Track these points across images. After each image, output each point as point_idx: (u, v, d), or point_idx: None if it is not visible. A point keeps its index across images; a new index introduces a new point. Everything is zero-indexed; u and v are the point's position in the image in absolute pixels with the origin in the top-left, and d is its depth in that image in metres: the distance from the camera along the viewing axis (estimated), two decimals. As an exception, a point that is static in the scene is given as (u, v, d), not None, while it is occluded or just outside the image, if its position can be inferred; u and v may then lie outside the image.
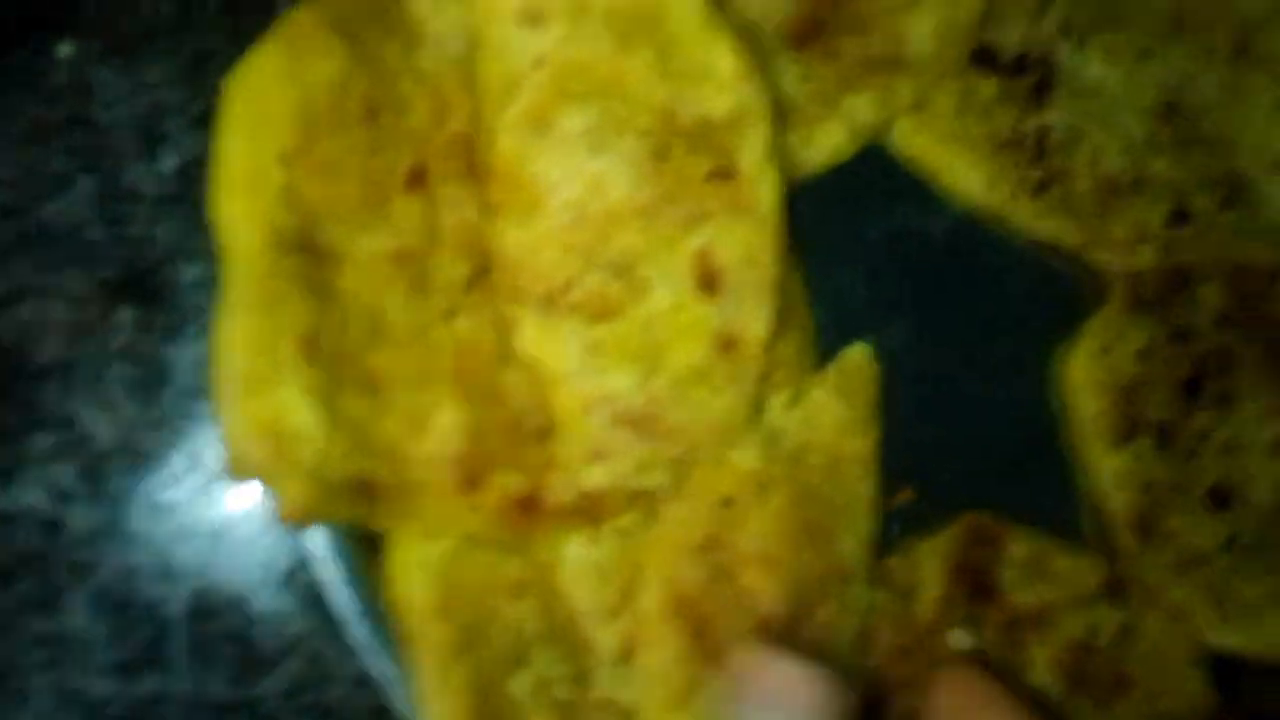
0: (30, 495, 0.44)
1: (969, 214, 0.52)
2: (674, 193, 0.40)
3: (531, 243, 0.40)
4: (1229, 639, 0.54)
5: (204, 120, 0.45)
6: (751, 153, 0.41)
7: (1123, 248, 0.53)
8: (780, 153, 0.49)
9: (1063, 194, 0.52)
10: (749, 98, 0.41)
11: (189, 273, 0.45)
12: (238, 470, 0.35)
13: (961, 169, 0.52)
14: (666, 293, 0.40)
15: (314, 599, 0.45)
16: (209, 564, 0.45)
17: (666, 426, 0.40)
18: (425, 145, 0.42)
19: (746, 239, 0.41)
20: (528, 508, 0.42)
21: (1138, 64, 0.54)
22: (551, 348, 0.40)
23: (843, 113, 0.49)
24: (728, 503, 0.42)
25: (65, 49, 0.44)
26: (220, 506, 0.44)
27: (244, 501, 0.45)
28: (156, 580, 0.45)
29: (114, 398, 0.44)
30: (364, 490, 0.38)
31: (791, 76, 0.49)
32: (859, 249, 0.52)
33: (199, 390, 0.45)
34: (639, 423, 0.40)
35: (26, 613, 0.43)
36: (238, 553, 0.45)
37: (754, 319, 0.41)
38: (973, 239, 0.53)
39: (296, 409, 0.36)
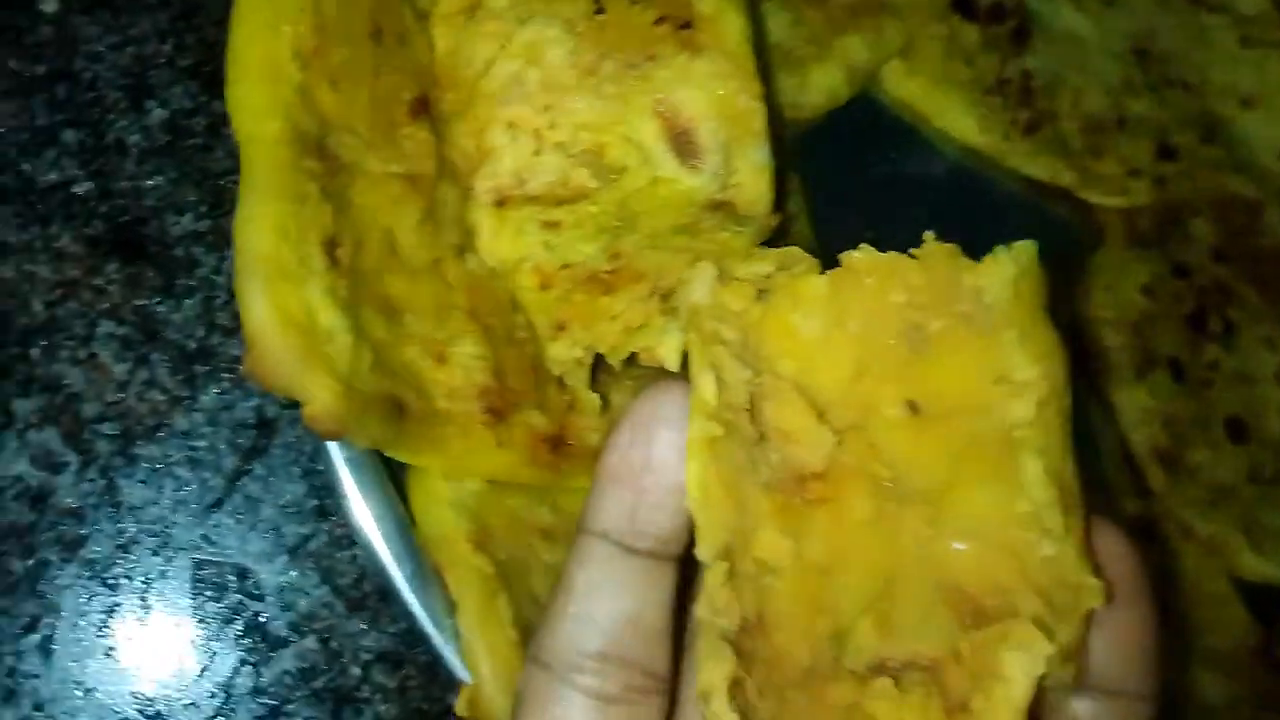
0: (15, 464, 0.41)
1: (965, 159, 0.53)
2: (618, 44, 0.36)
3: (477, 135, 0.36)
4: (1263, 569, 0.53)
5: (192, 72, 0.43)
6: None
7: (1114, 184, 0.54)
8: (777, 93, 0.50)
9: (1053, 134, 0.53)
10: None
11: (179, 226, 0.42)
12: (260, 367, 0.32)
13: (954, 112, 0.52)
14: (640, 169, 0.36)
15: (326, 570, 0.42)
16: (210, 535, 0.41)
17: (636, 270, 0.35)
18: (427, 78, 0.41)
19: (714, 84, 0.36)
20: (555, 446, 0.39)
21: (1104, 12, 0.55)
22: (506, 239, 0.36)
23: (836, 54, 0.49)
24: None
25: (50, 4, 0.42)
26: (222, 470, 0.41)
27: (247, 463, 0.41)
28: (152, 554, 0.41)
29: (103, 359, 0.41)
30: (395, 408, 0.35)
31: (781, 21, 0.50)
32: (860, 194, 0.51)
33: (193, 350, 0.42)
34: (602, 281, 0.36)
35: (13, 592, 0.39)
36: (242, 522, 0.41)
37: (749, 176, 0.36)
38: (971, 183, 0.54)
39: (324, 308, 0.33)
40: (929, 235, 0.27)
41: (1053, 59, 0.54)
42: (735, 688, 0.25)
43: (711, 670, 0.25)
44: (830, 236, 0.50)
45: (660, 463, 0.27)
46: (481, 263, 0.39)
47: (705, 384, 0.27)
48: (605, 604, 0.26)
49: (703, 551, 0.26)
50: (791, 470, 0.27)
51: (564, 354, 0.37)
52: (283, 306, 0.32)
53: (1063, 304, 0.45)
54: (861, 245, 0.27)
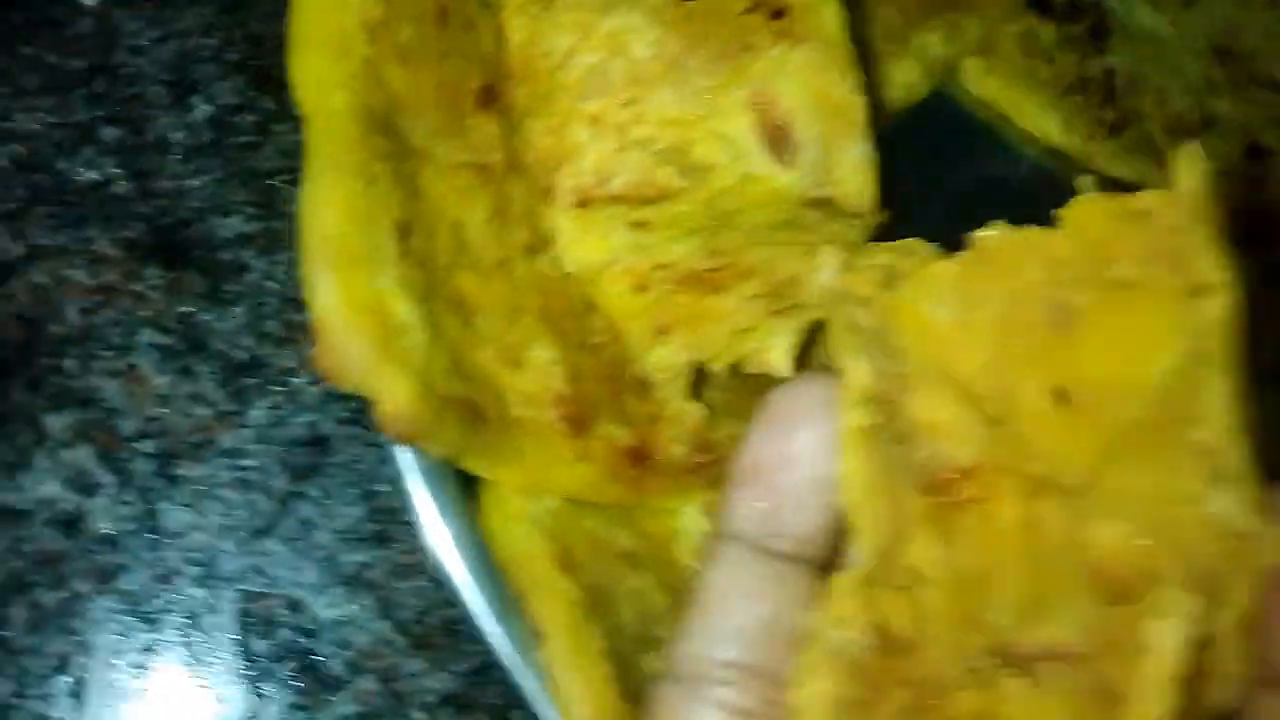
0: (46, 486, 0.37)
1: (1048, 160, 0.51)
2: (707, 34, 0.34)
3: (556, 131, 0.34)
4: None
5: (240, 67, 0.41)
6: None
7: (1205, 187, 0.51)
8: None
9: (1138, 134, 0.51)
10: None
11: (225, 229, 0.39)
12: (329, 360, 0.28)
13: (1035, 111, 0.50)
14: (730, 166, 0.34)
15: (386, 602, 0.38)
16: (259, 564, 0.38)
17: (743, 267, 0.33)
18: (494, 68, 0.38)
19: (811, 75, 0.34)
20: (639, 459, 0.36)
21: (1183, 10, 0.54)
22: (591, 241, 0.34)
23: (914, 49, 0.47)
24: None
25: (90, -1, 0.40)
26: (272, 492, 0.38)
27: (300, 484, 0.38)
28: (195, 586, 0.37)
29: (143, 371, 0.38)
30: (472, 413, 0.32)
31: (856, 19, 0.48)
32: (942, 196, 0.49)
33: (241, 361, 0.39)
34: (707, 280, 0.33)
35: (43, 627, 0.35)
36: (294, 549, 0.38)
37: (850, 171, 0.34)
38: (1055, 185, 0.51)
39: (398, 298, 0.30)
40: (1087, 181, 0.26)
41: (1133, 58, 0.52)
42: (852, 711, 0.23)
43: (811, 688, 0.23)
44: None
45: (800, 459, 0.25)
46: (553, 264, 0.37)
47: (857, 369, 0.25)
48: (741, 610, 0.25)
49: (864, 555, 0.23)
50: (939, 469, 0.25)
51: (668, 360, 0.34)
52: (354, 293, 0.29)
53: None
54: (992, 223, 0.25)
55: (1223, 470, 0.23)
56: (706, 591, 0.25)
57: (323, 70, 0.31)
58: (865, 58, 0.47)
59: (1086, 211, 0.26)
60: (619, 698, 0.33)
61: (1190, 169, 0.25)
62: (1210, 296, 0.24)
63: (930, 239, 0.51)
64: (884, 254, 0.27)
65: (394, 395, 0.29)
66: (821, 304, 0.28)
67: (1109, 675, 0.23)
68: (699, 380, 0.36)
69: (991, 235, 0.26)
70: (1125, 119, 0.51)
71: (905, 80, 0.47)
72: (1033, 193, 0.52)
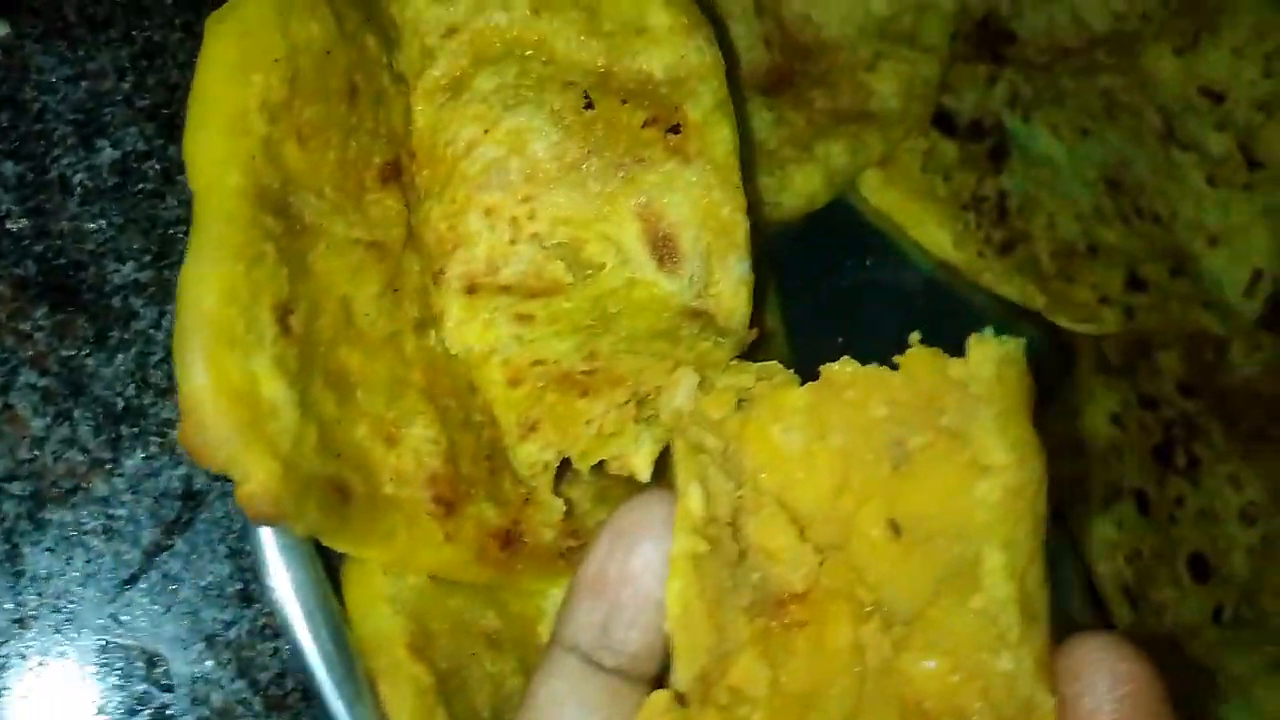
0: (-96, 528, 0.36)
1: (939, 272, 0.52)
2: (605, 142, 0.35)
3: (453, 217, 0.35)
4: (1230, 714, 0.52)
5: (150, 114, 0.41)
6: (700, 105, 0.36)
7: (1085, 311, 0.53)
8: (759, 193, 0.49)
9: (1026, 255, 0.53)
10: (693, 53, 0.37)
11: (120, 275, 0.39)
12: (196, 439, 0.29)
13: (930, 225, 0.52)
14: (618, 269, 0.35)
15: (246, 662, 0.38)
16: (120, 615, 0.37)
17: (615, 374, 0.33)
18: (401, 143, 0.39)
19: (699, 193, 0.35)
20: (507, 543, 0.36)
21: (1079, 139, 0.56)
22: (476, 328, 0.35)
23: (817, 157, 0.49)
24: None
25: (1, 28, 0.39)
26: (140, 543, 0.37)
27: (169, 537, 0.38)
28: (54, 631, 0.37)
29: (19, 411, 0.37)
30: (338, 493, 0.33)
31: (764, 120, 0.49)
32: (834, 298, 0.50)
33: (121, 409, 0.38)
34: (579, 383, 0.34)
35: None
36: (156, 603, 0.37)
37: (729, 287, 0.36)
38: (944, 297, 0.53)
39: (271, 380, 0.30)
40: (915, 337, 0.27)
41: (1028, 181, 0.54)
42: None
43: None
44: (804, 342, 0.49)
45: (638, 575, 0.26)
46: (443, 340, 0.37)
47: (693, 496, 0.26)
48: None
49: (680, 676, 0.24)
50: (772, 591, 0.26)
51: (534, 456, 0.35)
52: (225, 375, 0.29)
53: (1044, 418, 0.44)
54: (843, 358, 0.27)
55: (1002, 635, 0.24)
56: (534, 700, 0.26)
57: (218, 148, 0.32)
58: (768, 161, 0.49)
59: (920, 361, 0.27)
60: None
61: (983, 355, 0.26)
62: (989, 478, 0.25)
63: (822, 341, 0.53)
64: (745, 374, 0.28)
65: (256, 477, 0.29)
66: (669, 425, 0.28)
67: None
68: (570, 473, 0.37)
69: (840, 369, 0.27)
70: (1015, 239, 0.53)
71: (807, 187, 0.49)
72: (923, 302, 0.53)
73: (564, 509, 0.36)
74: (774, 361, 0.29)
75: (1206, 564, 0.52)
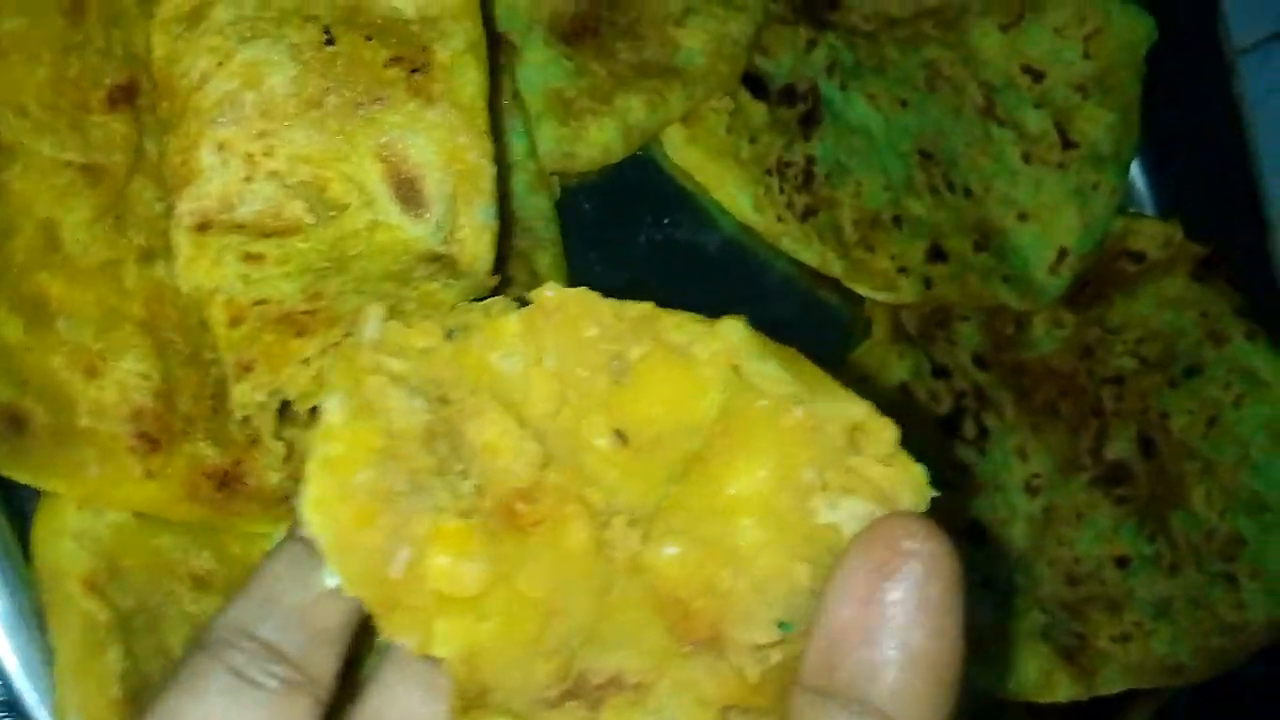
0: None
1: (740, 234, 0.52)
2: (345, 80, 0.34)
3: (184, 151, 0.34)
4: (990, 683, 0.53)
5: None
6: (450, 45, 0.35)
7: (882, 279, 0.53)
8: (557, 144, 0.49)
9: (828, 222, 0.53)
10: None
11: None
12: None
13: (729, 186, 0.51)
14: (361, 211, 0.34)
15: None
16: None
17: (333, 314, 0.33)
18: (140, 68, 0.38)
19: (443, 135, 0.35)
20: (224, 483, 0.36)
21: (897, 110, 0.56)
22: (204, 265, 0.33)
23: (615, 110, 0.48)
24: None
25: None
26: None
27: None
28: None
29: None
30: (11, 422, 0.32)
31: (564, 69, 0.48)
32: (627, 254, 0.50)
33: None
34: (296, 322, 0.33)
35: None
36: None
37: (472, 234, 0.35)
38: (744, 259, 0.53)
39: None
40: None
41: (839, 149, 0.54)
42: None
43: None
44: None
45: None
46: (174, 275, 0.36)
47: (330, 408, 0.26)
48: (287, 595, 0.26)
49: (336, 576, 0.25)
50: (497, 493, 0.26)
51: (247, 396, 0.34)
52: None
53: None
54: (549, 283, 0.27)
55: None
56: (261, 572, 0.26)
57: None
58: (566, 112, 0.49)
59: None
60: (121, 720, 0.32)
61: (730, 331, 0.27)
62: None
63: (613, 294, 0.53)
64: (471, 313, 0.28)
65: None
66: (347, 354, 0.28)
67: (669, 711, 0.25)
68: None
69: (549, 294, 0.27)
70: (817, 206, 0.53)
71: (602, 140, 0.48)
72: (721, 263, 0.53)
73: (284, 453, 0.35)
74: (500, 296, 0.29)
75: (984, 532, 0.54)
